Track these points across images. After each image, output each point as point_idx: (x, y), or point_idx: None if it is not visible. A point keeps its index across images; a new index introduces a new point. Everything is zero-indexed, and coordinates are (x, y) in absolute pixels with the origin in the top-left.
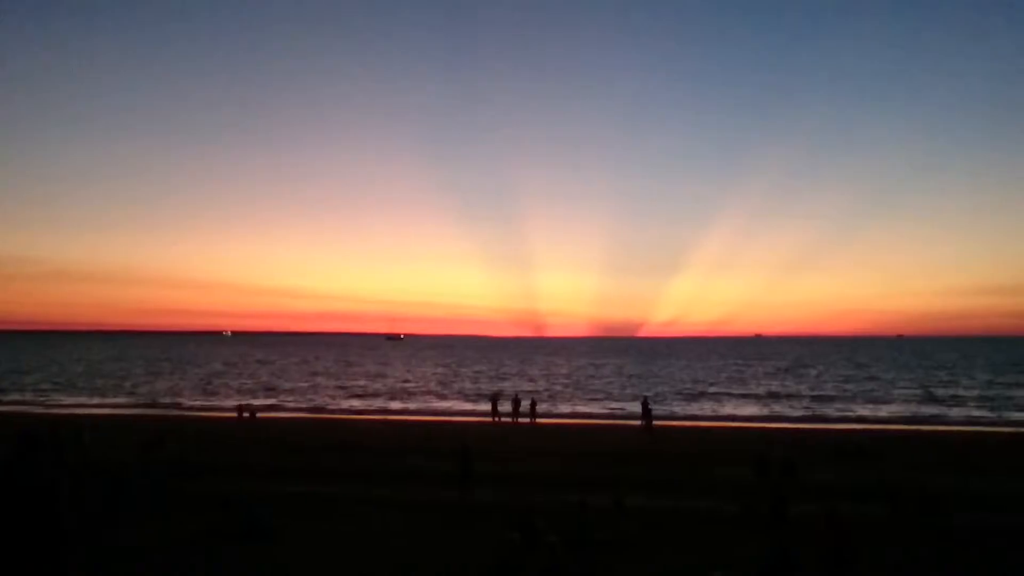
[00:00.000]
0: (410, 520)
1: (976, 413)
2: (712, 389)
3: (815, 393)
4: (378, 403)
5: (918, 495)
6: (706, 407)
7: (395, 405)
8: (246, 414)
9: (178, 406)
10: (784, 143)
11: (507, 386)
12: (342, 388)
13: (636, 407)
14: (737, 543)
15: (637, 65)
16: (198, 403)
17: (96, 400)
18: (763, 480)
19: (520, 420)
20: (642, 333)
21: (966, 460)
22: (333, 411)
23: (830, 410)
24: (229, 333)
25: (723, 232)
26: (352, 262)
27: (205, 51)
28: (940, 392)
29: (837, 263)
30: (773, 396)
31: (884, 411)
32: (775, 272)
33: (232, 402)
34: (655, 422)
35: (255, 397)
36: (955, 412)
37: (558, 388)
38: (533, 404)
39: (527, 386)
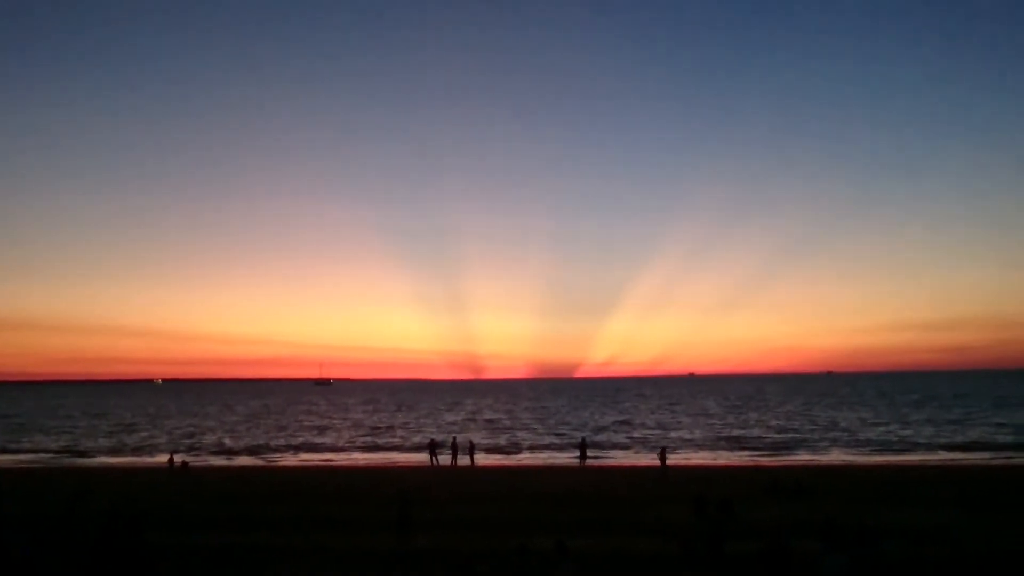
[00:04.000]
0: (346, 570)
1: (906, 446)
2: (646, 432)
3: (751, 431)
4: (311, 450)
5: (854, 529)
6: (644, 446)
7: (328, 451)
8: (177, 463)
9: (104, 457)
10: (715, 185)
11: (443, 429)
12: (275, 436)
13: (574, 447)
14: None
15: (571, 108)
16: (127, 453)
17: (10, 454)
18: (701, 518)
19: (459, 463)
20: (580, 373)
21: (899, 492)
22: (266, 459)
23: (767, 447)
24: (160, 381)
25: (657, 273)
26: (284, 307)
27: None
28: (872, 426)
29: (767, 302)
30: (710, 435)
31: (819, 447)
32: (707, 312)
33: (162, 451)
34: (592, 462)
35: (186, 445)
36: (887, 444)
37: (496, 430)
38: (471, 446)
39: (464, 428)
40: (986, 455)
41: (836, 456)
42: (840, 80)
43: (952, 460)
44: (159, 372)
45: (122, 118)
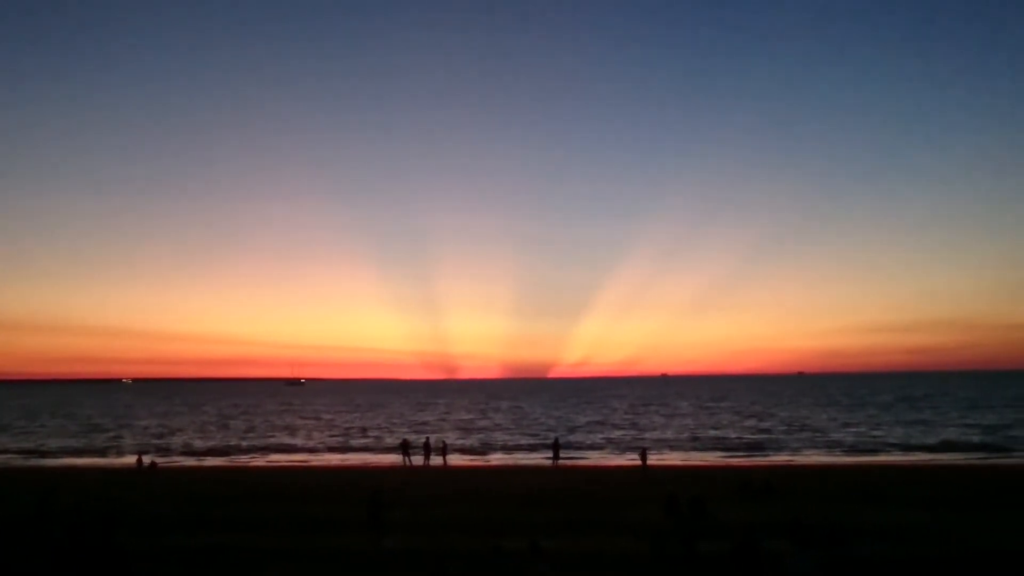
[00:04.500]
0: (318, 571)
1: (877, 447)
2: (619, 432)
3: (723, 432)
4: (282, 451)
5: (824, 528)
6: (617, 446)
7: (299, 452)
8: (146, 464)
9: (71, 457)
10: (688, 187)
11: (416, 429)
12: (245, 436)
13: (547, 448)
14: None
15: (545, 111)
16: (95, 454)
17: None
18: (673, 519)
19: (431, 463)
20: (553, 374)
21: (870, 493)
22: (236, 460)
23: (739, 447)
24: (128, 381)
25: (630, 274)
26: (255, 306)
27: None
28: (843, 427)
29: (739, 304)
30: (683, 435)
31: (791, 447)
32: (680, 313)
33: (131, 451)
34: (566, 462)
35: (155, 445)
36: (857, 445)
37: (469, 430)
38: (444, 447)
39: (438, 428)
40: (956, 456)
41: (807, 456)
42: (813, 84)
43: (922, 461)
44: (127, 372)
45: (91, 119)
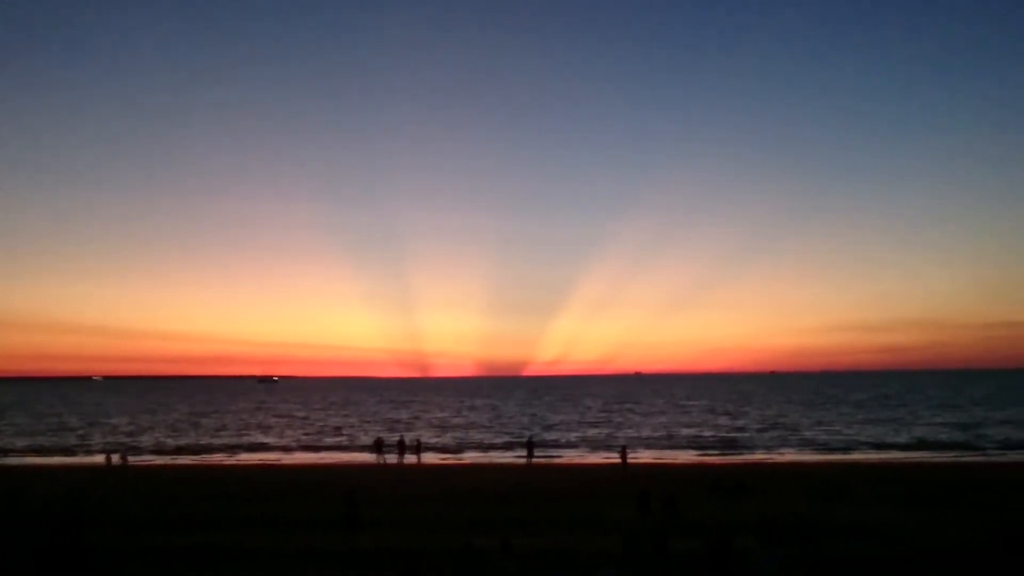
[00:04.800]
0: (292, 569)
1: (847, 445)
2: (593, 431)
3: (696, 430)
4: (256, 449)
5: (794, 526)
6: (590, 444)
7: (273, 450)
8: (116, 462)
9: (40, 456)
10: (663, 187)
11: (390, 427)
12: (218, 434)
13: (521, 446)
14: None
15: (520, 108)
16: (64, 452)
17: None
18: (646, 516)
19: (405, 461)
20: (527, 372)
21: (841, 490)
22: (208, 458)
23: (712, 446)
24: (100, 378)
25: (604, 273)
26: (228, 303)
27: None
28: (814, 425)
29: (712, 303)
30: (656, 433)
31: (763, 446)
32: (654, 312)
33: (101, 450)
34: (540, 460)
35: (126, 444)
36: (829, 443)
37: (444, 428)
38: (418, 445)
39: (412, 427)
40: (926, 454)
41: (780, 455)
42: (788, 86)
43: (893, 459)
44: (98, 369)
45: (63, 115)
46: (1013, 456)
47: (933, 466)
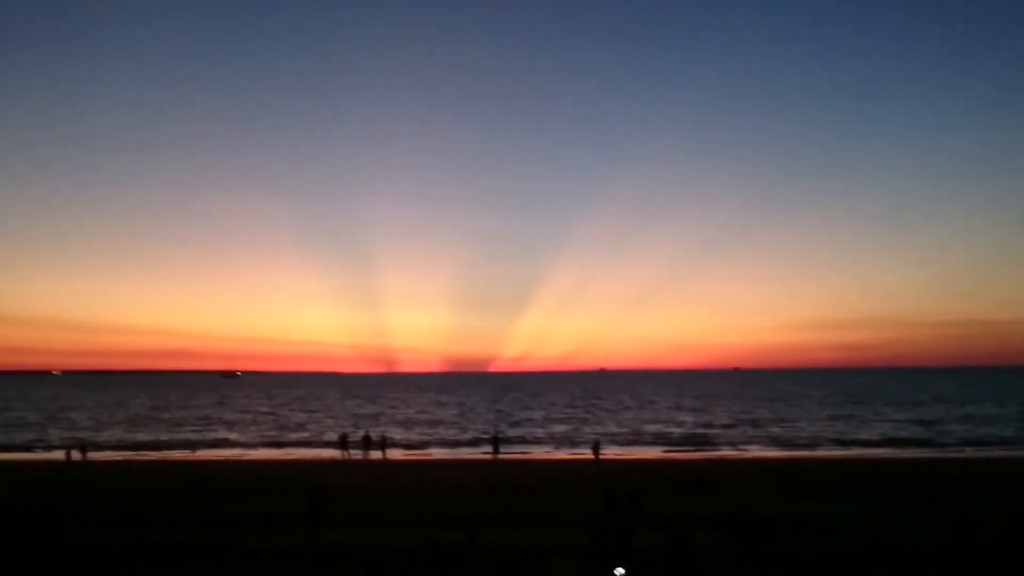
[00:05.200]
0: (253, 566)
1: (808, 441)
2: (558, 426)
3: (660, 426)
4: (218, 444)
5: (754, 521)
6: (556, 440)
7: (235, 446)
8: (76, 457)
9: None
10: (628, 185)
11: (355, 423)
12: (179, 430)
13: (487, 442)
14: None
15: (487, 105)
16: (22, 448)
17: None
18: (611, 512)
19: (370, 457)
20: (493, 368)
21: (803, 486)
22: (170, 454)
23: (676, 442)
24: (59, 373)
25: (569, 270)
26: (190, 297)
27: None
28: (776, 422)
29: (677, 300)
30: (621, 429)
31: (726, 442)
32: (618, 308)
33: (60, 445)
34: (507, 455)
35: (86, 439)
36: (792, 439)
37: (409, 424)
38: (383, 441)
39: (377, 422)
40: (887, 451)
41: (744, 451)
42: (751, 84)
43: (855, 455)
44: (57, 364)
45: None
46: (970, 452)
47: (893, 462)
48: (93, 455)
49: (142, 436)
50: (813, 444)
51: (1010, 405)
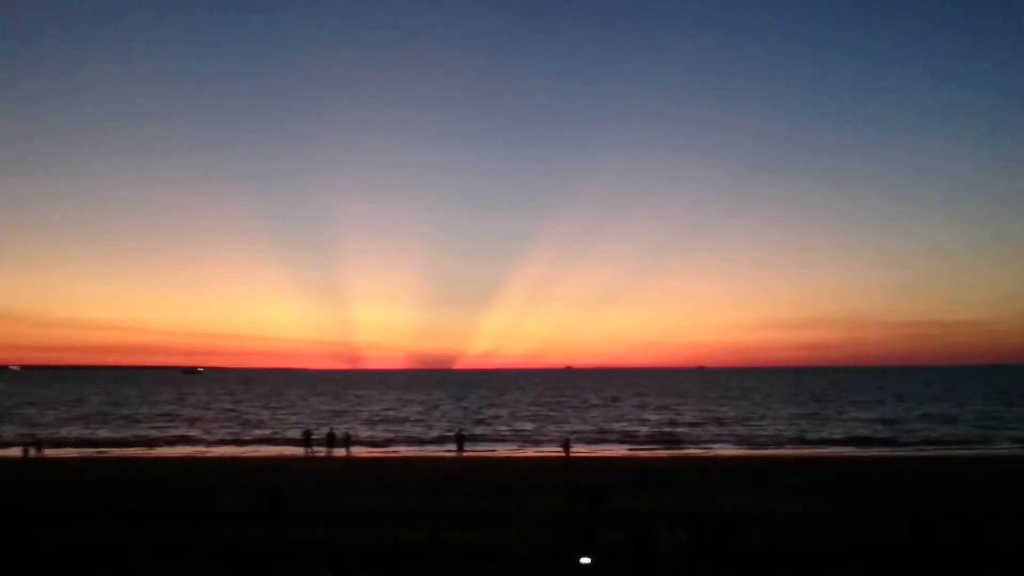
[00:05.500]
0: (214, 564)
1: (770, 440)
2: (523, 424)
3: (625, 425)
4: (179, 441)
5: (716, 518)
6: (522, 438)
7: (197, 443)
8: (33, 454)
9: None
10: (595, 182)
11: (319, 420)
12: (139, 426)
13: (451, 439)
14: (550, 571)
15: (455, 100)
16: None
17: None
18: (574, 509)
19: (334, 454)
20: (458, 365)
21: (764, 484)
22: (130, 450)
23: (640, 440)
24: (17, 368)
25: (536, 267)
26: (151, 292)
27: None
28: (742, 420)
29: (641, 298)
30: (586, 427)
31: (694, 439)
32: (584, 306)
33: (17, 441)
34: (472, 453)
35: (44, 436)
36: (755, 438)
37: (373, 421)
38: (347, 438)
39: (341, 419)
40: (847, 449)
41: (708, 449)
42: (714, 83)
43: (815, 453)
44: (14, 358)
45: None
46: (929, 451)
47: (854, 460)
48: (50, 452)
49: (101, 433)
50: (776, 442)
51: (968, 405)
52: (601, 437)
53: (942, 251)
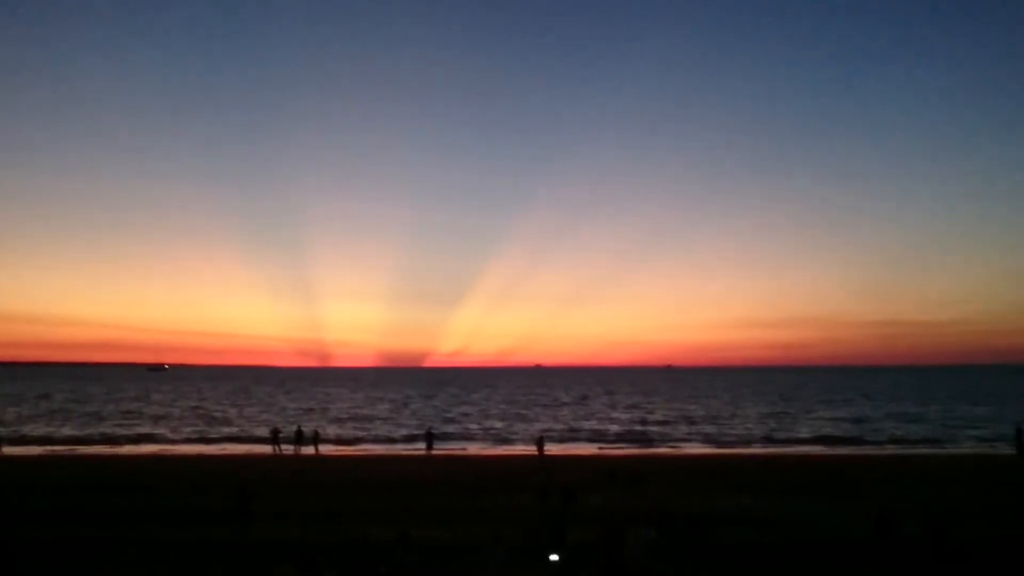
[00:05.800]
0: (180, 563)
1: (742, 438)
2: (493, 422)
3: (595, 423)
4: (144, 439)
5: (685, 516)
6: (492, 437)
7: (163, 441)
8: None
9: None
10: (567, 180)
11: (287, 418)
12: (104, 424)
13: (420, 438)
14: (521, 569)
15: (425, 96)
16: None
17: None
18: (545, 507)
19: (302, 452)
20: (428, 363)
21: (735, 482)
22: (94, 448)
23: (610, 439)
24: None
25: (506, 265)
26: (116, 287)
27: None
28: (712, 419)
29: (611, 297)
30: (557, 425)
31: (664, 438)
32: (554, 305)
33: None
34: (442, 451)
35: (4, 433)
36: (726, 437)
37: (342, 419)
38: (316, 436)
39: (310, 417)
40: (816, 447)
41: (678, 447)
42: (688, 81)
43: (784, 452)
44: None
45: None
46: (896, 449)
47: (822, 459)
48: (11, 450)
49: (65, 430)
50: (746, 441)
51: (933, 404)
52: (572, 435)
53: (909, 252)
